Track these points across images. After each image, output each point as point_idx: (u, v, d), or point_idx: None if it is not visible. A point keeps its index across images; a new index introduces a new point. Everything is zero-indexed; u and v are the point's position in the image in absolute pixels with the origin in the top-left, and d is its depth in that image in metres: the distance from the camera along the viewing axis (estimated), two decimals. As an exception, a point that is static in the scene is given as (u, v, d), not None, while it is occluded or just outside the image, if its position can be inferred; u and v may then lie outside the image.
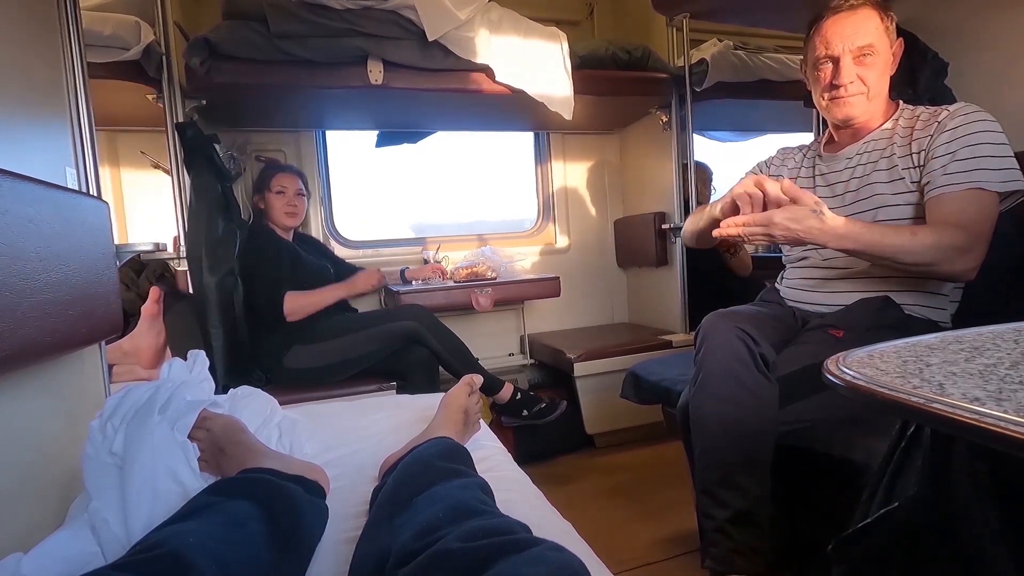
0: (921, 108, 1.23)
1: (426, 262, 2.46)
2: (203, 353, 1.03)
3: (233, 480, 0.73)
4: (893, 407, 0.37)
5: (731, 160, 3.22)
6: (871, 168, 1.23)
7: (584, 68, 2.12)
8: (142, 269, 1.93)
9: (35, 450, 0.85)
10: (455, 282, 2.30)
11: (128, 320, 1.67)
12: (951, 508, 0.50)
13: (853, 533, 0.55)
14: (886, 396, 0.37)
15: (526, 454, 2.13)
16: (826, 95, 1.26)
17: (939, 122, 1.15)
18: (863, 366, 0.45)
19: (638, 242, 2.61)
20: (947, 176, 1.11)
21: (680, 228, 2.36)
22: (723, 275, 2.35)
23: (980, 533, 0.49)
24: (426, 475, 0.70)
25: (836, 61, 1.21)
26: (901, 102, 1.28)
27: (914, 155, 1.17)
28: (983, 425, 0.30)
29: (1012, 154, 1.10)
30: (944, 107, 1.18)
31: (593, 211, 2.89)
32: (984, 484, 0.49)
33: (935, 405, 0.34)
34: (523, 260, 2.65)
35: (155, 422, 0.81)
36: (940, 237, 1.08)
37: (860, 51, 1.19)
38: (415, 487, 0.67)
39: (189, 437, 0.84)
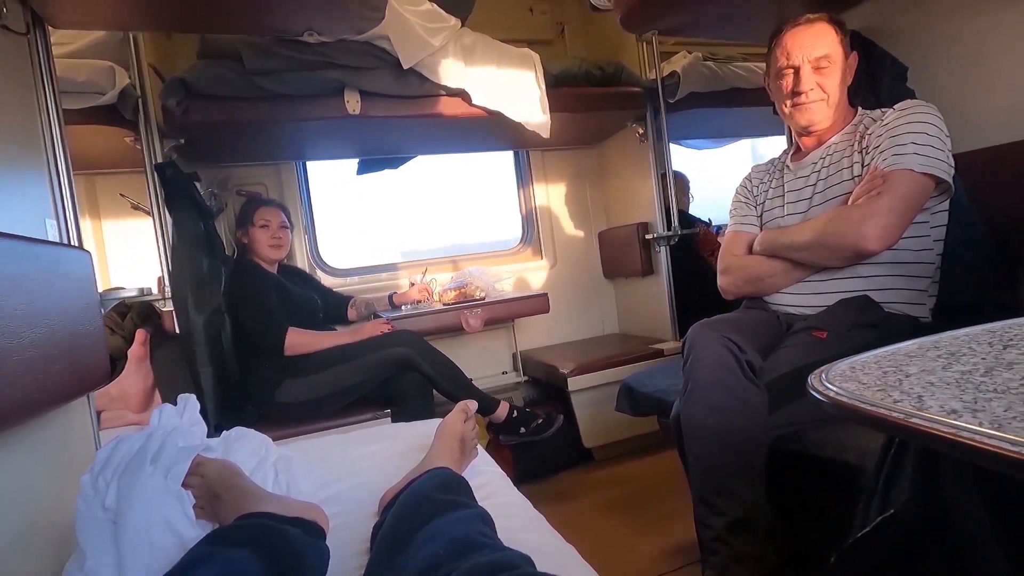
0: (879, 111, 1.29)
1: (412, 286, 2.46)
2: (193, 397, 1.02)
3: (231, 528, 0.73)
4: (876, 423, 0.38)
5: (708, 167, 3.28)
6: (835, 170, 1.30)
7: (559, 86, 2.16)
8: (127, 312, 1.91)
9: (26, 508, 0.83)
10: (444, 304, 2.30)
11: (115, 364, 1.64)
12: (943, 511, 0.51)
13: (853, 543, 0.55)
14: (868, 412, 0.39)
15: (525, 472, 2.12)
16: (788, 102, 1.33)
17: (883, 120, 1.23)
18: (845, 380, 0.46)
19: (623, 253, 2.64)
20: (874, 163, 1.19)
21: (664, 237, 2.39)
22: (710, 280, 2.37)
23: (974, 534, 0.50)
24: (424, 509, 0.70)
25: (797, 70, 1.29)
26: (860, 108, 1.34)
27: (864, 151, 1.24)
28: (960, 439, 0.31)
29: (941, 143, 1.16)
30: (894, 107, 1.24)
31: (577, 225, 2.92)
32: (971, 486, 0.50)
33: (914, 420, 0.35)
34: (510, 278, 2.66)
35: (147, 473, 0.80)
36: (837, 212, 1.20)
37: (818, 61, 1.27)
38: (414, 523, 0.67)
39: (183, 485, 0.83)
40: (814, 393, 0.45)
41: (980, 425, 0.32)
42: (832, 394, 0.43)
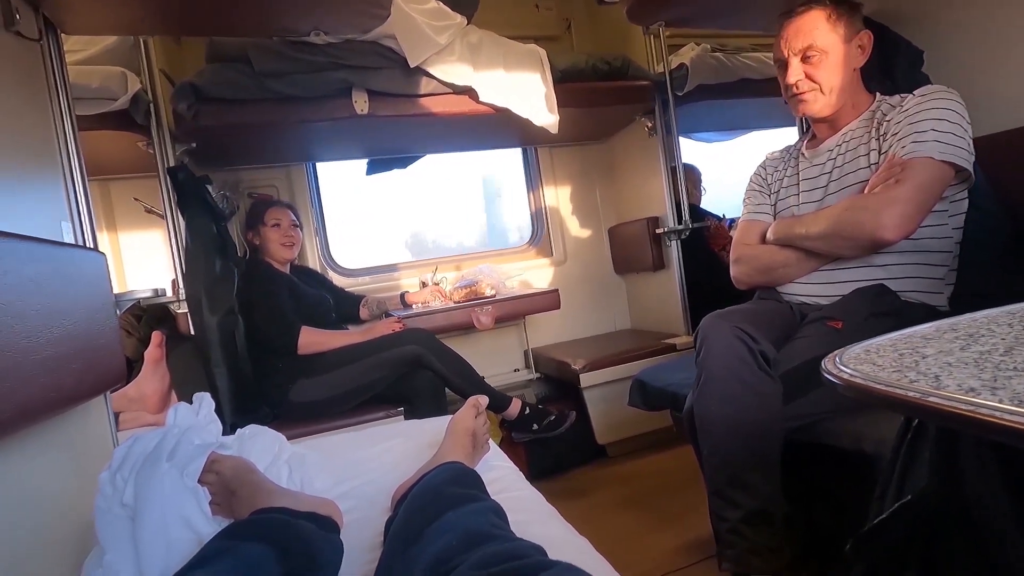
0: (898, 96, 1.26)
1: (424, 285, 2.47)
2: (208, 395, 1.03)
3: (245, 523, 0.73)
4: (891, 403, 0.37)
5: (719, 160, 3.24)
6: (851, 157, 1.27)
7: (566, 82, 2.15)
8: (142, 314, 1.94)
9: (46, 506, 0.85)
10: (454, 302, 2.31)
11: (132, 366, 1.67)
12: (963, 498, 0.50)
13: (870, 530, 0.54)
14: (883, 392, 0.38)
15: (539, 469, 2.12)
16: (785, 95, 1.33)
17: (903, 106, 1.20)
18: (860, 362, 0.45)
19: (634, 248, 2.62)
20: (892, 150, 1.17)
21: (674, 231, 2.37)
22: (721, 275, 2.35)
23: (994, 520, 0.49)
24: (437, 503, 0.70)
25: (787, 63, 1.28)
26: (878, 94, 1.31)
27: (882, 138, 1.22)
28: (979, 416, 0.30)
29: (962, 131, 1.13)
30: (913, 92, 1.21)
31: (587, 220, 2.90)
32: (992, 471, 0.49)
33: (931, 399, 0.34)
34: (520, 275, 2.66)
35: (164, 470, 0.81)
36: (853, 200, 1.19)
37: (803, 52, 1.25)
38: (427, 516, 0.67)
39: (199, 481, 0.84)
40: (828, 376, 0.44)
41: (1000, 402, 0.31)
42: (847, 376, 0.42)
